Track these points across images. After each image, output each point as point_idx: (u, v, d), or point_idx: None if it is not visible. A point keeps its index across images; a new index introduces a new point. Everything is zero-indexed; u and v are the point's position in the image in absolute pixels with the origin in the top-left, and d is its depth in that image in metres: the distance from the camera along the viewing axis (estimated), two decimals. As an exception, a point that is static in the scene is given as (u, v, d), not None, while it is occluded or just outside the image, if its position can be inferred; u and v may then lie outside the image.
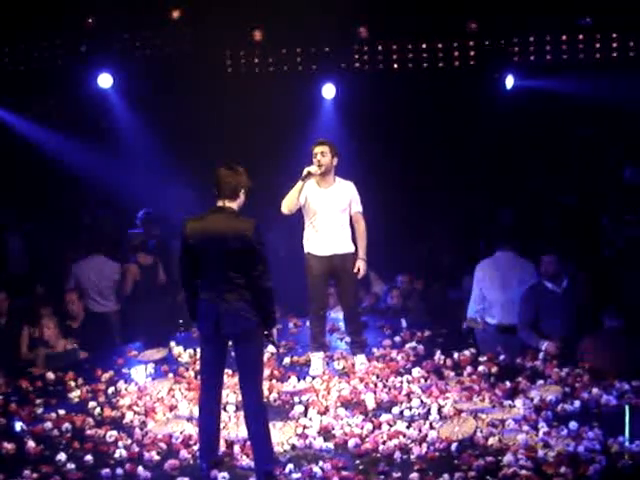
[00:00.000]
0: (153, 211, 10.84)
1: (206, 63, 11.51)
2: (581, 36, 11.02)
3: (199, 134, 11.69)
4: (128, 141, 12.10)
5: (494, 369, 7.25)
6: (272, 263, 5.75)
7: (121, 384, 7.22)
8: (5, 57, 11.30)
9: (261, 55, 11.64)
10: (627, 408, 6.22)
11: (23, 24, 10.66)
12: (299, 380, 7.16)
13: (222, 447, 5.94)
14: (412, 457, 5.82)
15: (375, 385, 7.02)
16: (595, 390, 6.64)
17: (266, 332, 5.75)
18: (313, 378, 7.22)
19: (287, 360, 7.69)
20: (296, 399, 6.79)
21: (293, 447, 6.03)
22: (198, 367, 6.87)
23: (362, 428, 6.21)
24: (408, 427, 6.20)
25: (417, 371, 7.22)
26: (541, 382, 6.95)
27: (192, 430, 6.21)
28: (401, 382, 7.04)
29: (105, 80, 11.40)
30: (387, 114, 12.13)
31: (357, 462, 5.83)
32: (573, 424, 6.04)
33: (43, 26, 10.87)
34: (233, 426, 6.27)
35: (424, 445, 5.92)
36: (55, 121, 11.70)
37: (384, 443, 5.96)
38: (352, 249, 7.44)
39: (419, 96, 11.90)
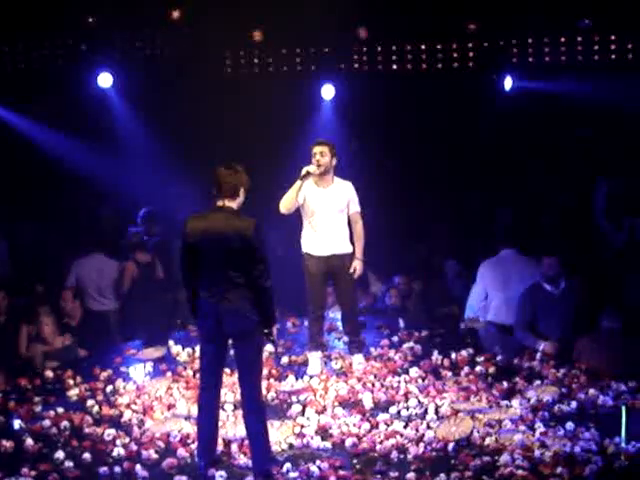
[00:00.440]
0: (154, 210, 10.85)
1: (206, 63, 11.50)
2: (580, 38, 11.01)
3: (199, 134, 11.68)
4: (128, 141, 12.09)
5: (491, 369, 7.27)
6: (271, 263, 5.77)
7: (119, 383, 7.24)
8: (5, 56, 11.29)
9: (261, 55, 11.62)
10: (623, 409, 6.21)
11: (23, 24, 10.66)
12: (297, 379, 7.18)
13: (220, 446, 5.96)
14: (409, 457, 5.85)
15: (373, 385, 7.04)
16: (592, 391, 6.68)
17: (266, 331, 5.77)
18: (311, 377, 7.24)
19: (285, 359, 7.72)
20: (294, 398, 6.81)
21: (291, 446, 6.06)
22: (196, 366, 6.92)
23: (359, 427, 6.24)
24: (405, 427, 6.23)
25: (415, 371, 7.25)
26: (538, 382, 6.98)
27: (190, 429, 6.23)
28: (398, 382, 7.07)
29: (105, 80, 11.40)
30: (386, 115, 12.12)
31: (354, 461, 5.86)
32: (570, 424, 6.08)
33: (43, 26, 10.86)
34: (231, 425, 6.29)
35: (421, 445, 5.95)
36: (55, 120, 11.70)
37: (381, 443, 5.99)
38: (350, 249, 7.47)
39: (418, 97, 11.89)
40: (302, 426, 6.30)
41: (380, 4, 10.66)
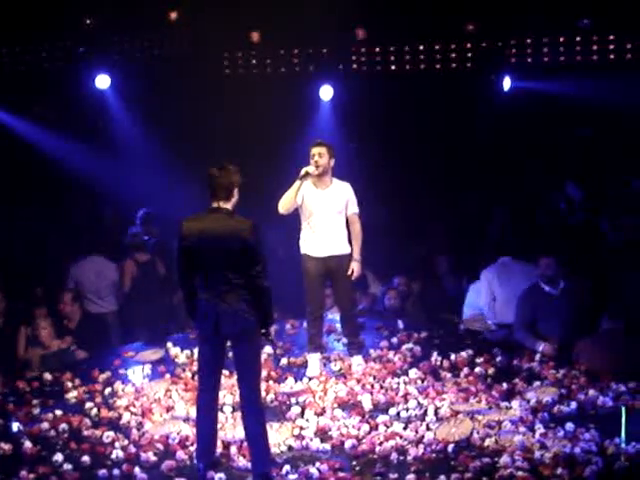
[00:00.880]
0: (153, 211, 10.84)
1: (204, 64, 11.50)
2: (579, 38, 11.01)
3: (197, 135, 11.68)
4: (126, 142, 12.10)
5: (491, 370, 7.26)
6: (270, 264, 5.77)
7: (118, 385, 7.22)
8: (4, 58, 11.29)
9: (259, 56, 11.63)
10: (623, 410, 6.21)
11: (22, 25, 10.65)
12: (296, 381, 7.16)
13: (219, 448, 5.95)
14: (409, 458, 5.84)
15: (372, 386, 7.02)
16: (591, 392, 6.66)
17: (263, 330, 5.76)
18: (310, 379, 7.22)
19: (284, 361, 7.70)
20: (293, 400, 6.80)
21: (290, 448, 6.04)
22: (195, 368, 6.90)
23: (359, 429, 6.22)
24: (405, 428, 6.22)
25: (414, 372, 7.23)
26: (538, 383, 6.96)
27: (189, 431, 6.22)
28: (398, 383, 7.05)
29: (103, 81, 11.40)
30: (385, 115, 12.13)
31: (354, 463, 5.85)
32: (569, 425, 6.06)
33: (41, 27, 10.86)
34: (230, 427, 6.28)
35: (421, 446, 5.94)
36: (53, 122, 11.69)
37: (381, 444, 5.97)
38: (349, 250, 7.45)
39: (417, 97, 11.90)
40: (301, 428, 6.29)
41: (379, 4, 10.66)
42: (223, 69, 11.71)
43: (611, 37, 10.88)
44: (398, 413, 6.52)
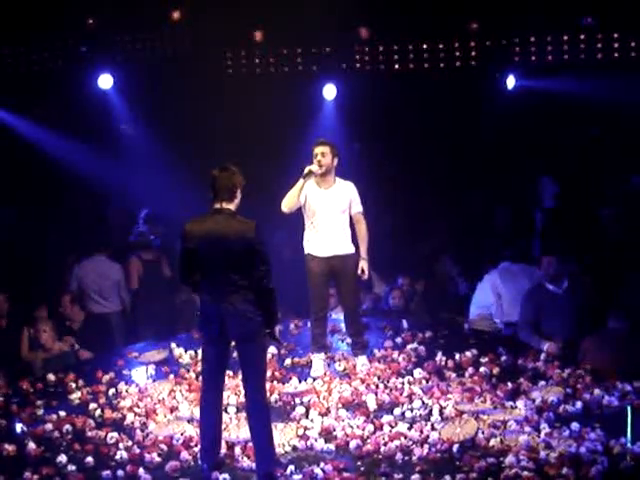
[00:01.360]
0: (155, 210, 10.83)
1: (206, 64, 11.50)
2: (582, 36, 10.98)
3: (199, 134, 11.68)
4: (128, 141, 12.10)
5: (496, 370, 7.23)
6: (275, 265, 5.75)
7: (122, 386, 7.21)
8: (6, 58, 11.29)
9: (261, 55, 11.61)
10: (629, 409, 6.21)
11: (23, 25, 10.65)
12: (300, 381, 7.15)
13: (223, 449, 5.93)
14: (413, 458, 5.82)
15: (376, 386, 7.00)
16: (597, 391, 6.63)
17: (268, 330, 5.74)
18: (314, 379, 7.21)
19: (288, 361, 7.68)
20: (297, 400, 6.78)
21: (294, 448, 6.03)
22: (199, 368, 6.89)
23: (363, 429, 6.20)
24: (409, 428, 6.19)
25: (418, 372, 7.21)
26: (543, 383, 6.93)
27: (193, 431, 6.21)
28: (402, 383, 7.03)
29: (105, 81, 11.40)
30: (388, 114, 12.12)
31: (358, 463, 5.83)
32: (575, 425, 6.04)
33: (43, 27, 10.86)
34: (234, 427, 6.26)
35: (425, 446, 5.92)
36: (55, 122, 11.69)
37: (385, 444, 5.96)
38: (352, 250, 7.43)
39: (420, 96, 11.89)
40: (306, 428, 6.27)
41: (382, 3, 10.66)
42: (225, 68, 11.70)
43: (615, 35, 10.84)
44: (403, 413, 6.50)
